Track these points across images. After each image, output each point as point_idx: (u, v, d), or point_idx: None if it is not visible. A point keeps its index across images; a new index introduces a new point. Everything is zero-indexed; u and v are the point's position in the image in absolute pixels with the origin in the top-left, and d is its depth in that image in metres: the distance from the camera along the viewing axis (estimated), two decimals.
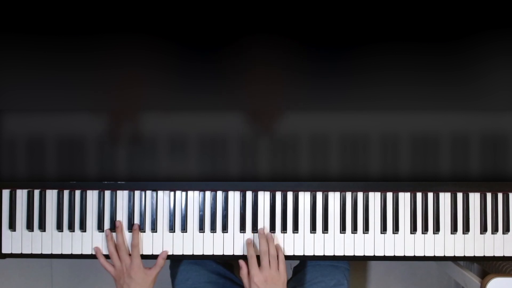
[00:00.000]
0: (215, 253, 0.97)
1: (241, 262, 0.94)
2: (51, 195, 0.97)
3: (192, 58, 0.94)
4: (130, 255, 0.94)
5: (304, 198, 0.97)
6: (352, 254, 0.97)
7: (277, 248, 0.95)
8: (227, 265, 1.08)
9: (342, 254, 0.97)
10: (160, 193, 0.97)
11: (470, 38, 0.94)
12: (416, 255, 0.97)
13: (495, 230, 0.96)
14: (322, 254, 0.97)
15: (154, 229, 0.97)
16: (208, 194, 0.97)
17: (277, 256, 0.94)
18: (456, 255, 0.97)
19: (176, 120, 0.96)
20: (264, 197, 0.97)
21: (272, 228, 0.97)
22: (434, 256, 0.97)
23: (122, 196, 0.97)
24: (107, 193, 0.97)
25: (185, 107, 0.95)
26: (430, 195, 0.97)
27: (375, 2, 0.93)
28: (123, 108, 0.96)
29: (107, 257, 0.96)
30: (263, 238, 0.94)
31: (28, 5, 0.93)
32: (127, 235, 0.96)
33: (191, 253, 0.97)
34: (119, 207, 0.97)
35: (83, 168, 0.96)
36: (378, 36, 0.94)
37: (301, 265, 1.06)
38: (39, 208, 0.97)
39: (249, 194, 0.97)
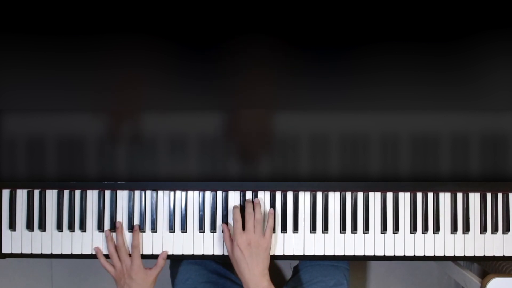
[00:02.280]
0: (215, 253, 0.97)
1: (223, 226, 0.95)
2: (51, 195, 0.97)
3: (192, 58, 0.94)
4: (130, 255, 0.94)
5: (304, 198, 0.97)
6: (352, 254, 0.97)
7: (269, 215, 0.95)
8: (227, 265, 1.08)
9: (342, 254, 0.97)
10: (160, 193, 0.97)
11: (470, 38, 0.94)
12: (416, 255, 0.97)
13: (495, 230, 0.96)
14: (322, 254, 0.97)
15: (154, 229, 0.97)
16: (208, 194, 0.97)
17: (267, 222, 0.94)
18: (456, 255, 0.97)
19: (176, 120, 0.96)
20: (264, 197, 0.97)
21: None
22: (434, 256, 0.97)
23: (122, 196, 0.97)
24: (107, 193, 0.97)
25: (185, 107, 0.95)
26: (430, 195, 0.97)
27: (375, 2, 0.93)
28: (123, 108, 0.96)
29: (107, 257, 0.96)
30: (249, 203, 0.95)
31: (28, 5, 0.93)
32: (127, 235, 0.96)
33: (191, 253, 0.97)
34: (119, 207, 0.97)
35: (83, 168, 0.96)
36: (378, 36, 0.94)
37: (301, 265, 1.06)
38: (39, 208, 0.97)
39: (249, 194, 0.97)
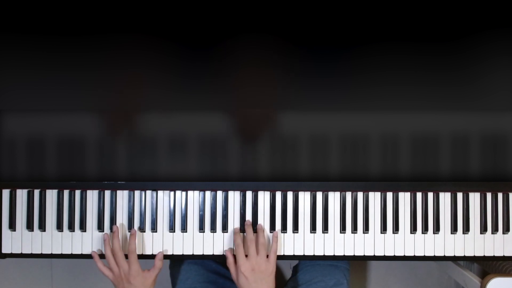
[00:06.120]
0: (215, 253, 0.97)
1: (227, 252, 0.94)
2: (51, 195, 0.97)
3: (193, 58, 0.94)
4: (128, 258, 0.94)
5: (304, 198, 0.97)
6: (352, 254, 0.97)
7: (273, 238, 0.95)
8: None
9: (342, 254, 0.97)
10: (160, 193, 0.97)
11: (470, 38, 0.94)
12: (416, 255, 0.97)
13: (495, 230, 0.96)
14: (322, 254, 0.97)
15: (154, 229, 0.97)
16: (208, 194, 0.97)
17: (270, 246, 0.94)
18: (456, 255, 0.97)
19: (176, 120, 0.96)
20: (264, 197, 0.97)
21: (272, 228, 0.97)
22: (434, 256, 0.97)
23: (122, 196, 0.97)
24: (107, 193, 0.97)
25: (185, 107, 0.95)
26: (430, 195, 0.97)
27: (375, 2, 0.93)
28: (123, 108, 0.96)
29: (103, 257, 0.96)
30: (250, 228, 0.95)
31: (28, 5, 0.93)
32: (128, 236, 0.96)
33: (191, 253, 0.97)
34: (119, 207, 0.97)
35: (83, 168, 0.96)
36: (378, 36, 0.94)
37: (301, 265, 1.06)
38: (39, 208, 0.97)
39: (249, 194, 0.97)
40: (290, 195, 0.97)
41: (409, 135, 0.96)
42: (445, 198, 0.97)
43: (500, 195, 0.97)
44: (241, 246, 0.92)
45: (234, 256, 0.93)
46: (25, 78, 0.94)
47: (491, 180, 0.96)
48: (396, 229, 0.96)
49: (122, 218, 0.97)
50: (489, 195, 0.97)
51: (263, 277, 0.90)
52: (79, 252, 0.97)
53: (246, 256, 0.92)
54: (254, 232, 0.95)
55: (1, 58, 0.94)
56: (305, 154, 0.96)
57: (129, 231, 0.96)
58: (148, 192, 0.97)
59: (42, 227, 0.97)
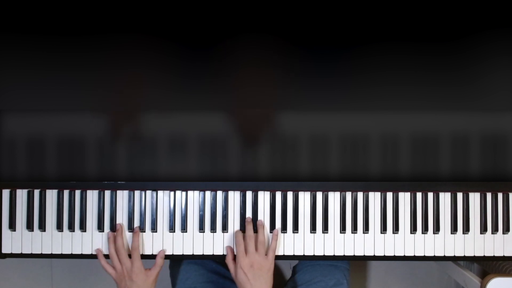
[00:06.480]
0: (215, 253, 0.97)
1: (227, 248, 0.95)
2: (51, 195, 0.97)
3: (193, 58, 0.94)
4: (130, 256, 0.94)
5: (304, 198, 0.97)
6: (352, 254, 0.97)
7: (273, 236, 0.95)
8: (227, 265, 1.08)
9: (342, 254, 0.97)
10: (160, 193, 0.97)
11: (470, 38, 0.94)
12: (416, 255, 0.97)
13: (495, 230, 0.96)
14: (322, 254, 0.97)
15: (154, 229, 0.97)
16: (208, 194, 0.97)
17: (270, 244, 0.95)
18: (456, 255, 0.97)
19: (176, 120, 0.96)
20: (264, 197, 0.97)
21: (272, 228, 0.97)
22: (434, 256, 0.97)
23: (122, 196, 0.97)
24: (107, 193, 0.97)
25: (185, 107, 0.95)
26: (430, 195, 0.97)
27: (375, 2, 0.93)
28: (123, 108, 0.96)
29: (108, 257, 0.96)
30: (250, 224, 0.95)
31: (28, 5, 0.93)
32: (128, 236, 0.96)
33: (191, 253, 0.97)
34: (119, 207, 0.97)
35: (83, 168, 0.96)
36: (378, 36, 0.94)
37: (301, 265, 1.06)
38: (39, 208, 0.97)
39: (249, 194, 0.97)
40: (290, 195, 0.97)
41: (409, 135, 0.96)
42: (445, 198, 0.97)
43: (500, 195, 0.97)
44: (242, 245, 0.93)
45: (234, 255, 0.94)
46: (25, 78, 0.94)
47: (491, 180, 0.96)
48: (396, 229, 0.96)
49: (122, 218, 0.97)
50: (489, 195, 0.97)
51: (261, 274, 0.90)
52: (79, 252, 0.97)
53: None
54: (254, 232, 0.95)
55: (1, 58, 0.94)
56: (305, 154, 0.96)
57: (129, 231, 0.97)
58: (148, 192, 0.97)
59: (42, 227, 0.97)
